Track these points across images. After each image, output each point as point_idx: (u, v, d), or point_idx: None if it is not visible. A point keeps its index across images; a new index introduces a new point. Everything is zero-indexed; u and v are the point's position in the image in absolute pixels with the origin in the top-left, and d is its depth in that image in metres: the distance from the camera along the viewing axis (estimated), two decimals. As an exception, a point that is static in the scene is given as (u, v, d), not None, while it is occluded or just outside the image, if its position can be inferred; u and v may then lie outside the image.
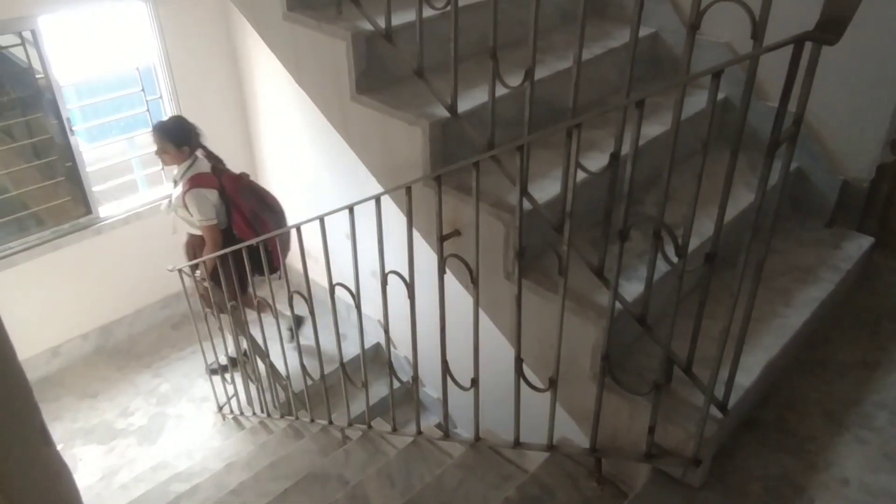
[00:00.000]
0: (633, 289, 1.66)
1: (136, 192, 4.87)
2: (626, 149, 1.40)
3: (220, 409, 4.15)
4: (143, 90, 4.54)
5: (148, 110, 4.60)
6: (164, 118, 3.46)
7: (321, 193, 4.69)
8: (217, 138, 5.00)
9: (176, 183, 3.68)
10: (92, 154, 4.54)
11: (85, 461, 3.99)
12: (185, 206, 3.59)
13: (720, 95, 2.21)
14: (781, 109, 1.15)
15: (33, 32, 3.92)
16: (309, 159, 4.71)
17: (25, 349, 4.43)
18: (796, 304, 1.85)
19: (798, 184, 2.20)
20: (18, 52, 4.01)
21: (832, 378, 1.82)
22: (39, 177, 4.35)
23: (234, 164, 5.21)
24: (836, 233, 2.13)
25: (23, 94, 4.13)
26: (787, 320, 1.80)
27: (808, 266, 1.99)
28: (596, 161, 1.80)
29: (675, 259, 1.39)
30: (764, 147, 1.20)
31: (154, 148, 3.67)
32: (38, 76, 4.07)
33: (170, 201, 3.76)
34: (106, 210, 4.60)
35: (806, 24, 1.10)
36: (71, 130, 4.25)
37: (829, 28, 1.04)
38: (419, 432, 2.40)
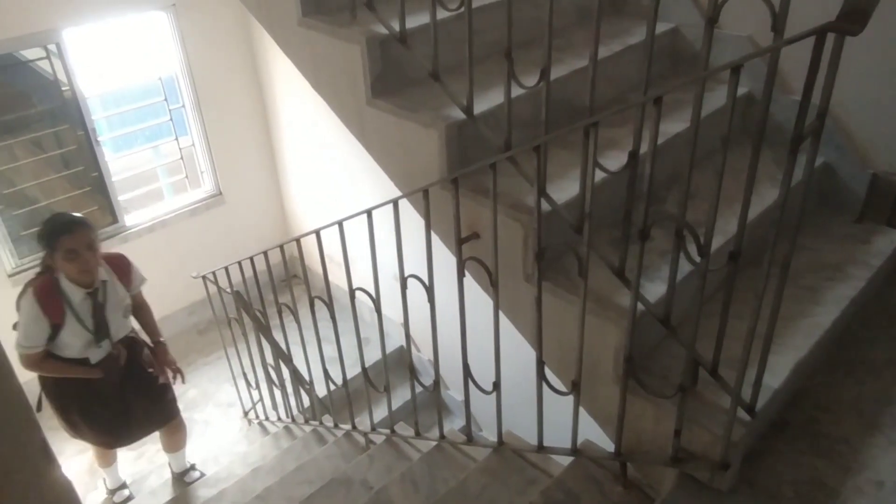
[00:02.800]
0: (655, 289, 1.63)
1: (161, 199, 4.93)
2: (645, 147, 1.37)
3: (246, 414, 4.19)
4: (165, 99, 4.60)
5: (171, 119, 4.67)
6: (58, 216, 2.56)
7: (343, 198, 4.71)
8: (239, 145, 5.07)
9: (97, 291, 2.61)
10: (117, 163, 4.62)
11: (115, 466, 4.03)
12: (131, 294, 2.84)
13: (744, 90, 2.17)
14: (804, 103, 1.12)
15: (58, 45, 4.00)
16: (330, 164, 4.73)
17: (56, 357, 4.50)
18: (826, 303, 1.81)
19: (826, 178, 2.15)
20: (44, 65, 4.08)
21: (864, 378, 1.77)
22: (68, 187, 4.43)
23: (257, 171, 5.29)
24: (865, 228, 2.08)
25: (50, 105, 4.21)
26: (817, 319, 1.75)
27: (837, 263, 1.94)
28: (615, 160, 1.78)
29: (697, 258, 1.36)
30: (790, 142, 1.17)
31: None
32: (63, 88, 4.15)
33: (101, 331, 2.65)
34: (132, 218, 4.67)
35: (829, 15, 1.07)
36: (96, 141, 4.32)
37: (852, 18, 1.01)
38: (442, 436, 2.38)
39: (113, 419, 2.91)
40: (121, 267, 2.79)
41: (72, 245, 2.44)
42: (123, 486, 3.59)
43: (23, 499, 0.52)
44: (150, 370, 2.94)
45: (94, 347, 2.67)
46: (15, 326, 2.57)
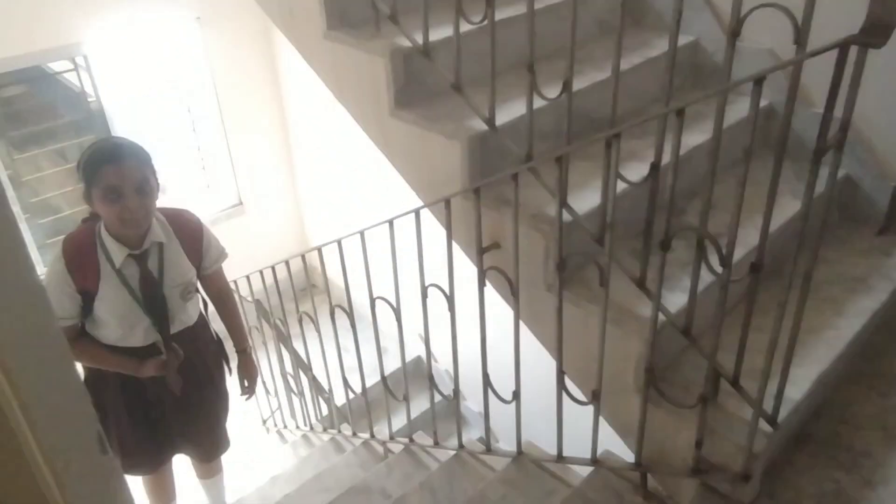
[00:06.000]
0: (676, 300, 1.63)
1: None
2: (666, 158, 1.39)
3: (264, 422, 4.21)
4: (188, 111, 4.67)
5: (194, 130, 4.73)
6: (105, 139, 1.91)
7: (362, 207, 4.74)
8: (260, 156, 5.13)
9: (146, 254, 1.93)
10: (140, 173, 4.68)
11: None
12: (197, 265, 2.13)
13: (763, 102, 2.18)
14: (827, 115, 1.13)
15: (85, 58, 4.08)
16: (349, 174, 4.77)
17: (78, 363, 4.57)
18: (848, 315, 1.80)
19: (847, 191, 2.14)
20: (71, 77, 4.17)
21: (887, 391, 1.76)
22: (91, 196, 4.50)
23: (277, 181, 5.34)
24: (887, 241, 2.07)
25: (76, 117, 4.29)
26: (839, 331, 1.75)
27: (859, 275, 1.94)
28: (636, 171, 1.78)
29: (719, 269, 1.37)
30: (810, 154, 1.18)
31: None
32: (89, 99, 4.23)
33: (155, 313, 1.96)
34: (154, 228, 4.73)
35: (851, 28, 1.08)
36: (120, 151, 4.39)
37: (875, 31, 1.02)
38: (461, 446, 2.39)
39: (144, 439, 2.18)
40: (187, 229, 2.03)
41: (115, 180, 1.75)
42: None
43: (80, 486, 0.54)
44: (217, 384, 2.30)
45: (140, 333, 1.96)
46: None
